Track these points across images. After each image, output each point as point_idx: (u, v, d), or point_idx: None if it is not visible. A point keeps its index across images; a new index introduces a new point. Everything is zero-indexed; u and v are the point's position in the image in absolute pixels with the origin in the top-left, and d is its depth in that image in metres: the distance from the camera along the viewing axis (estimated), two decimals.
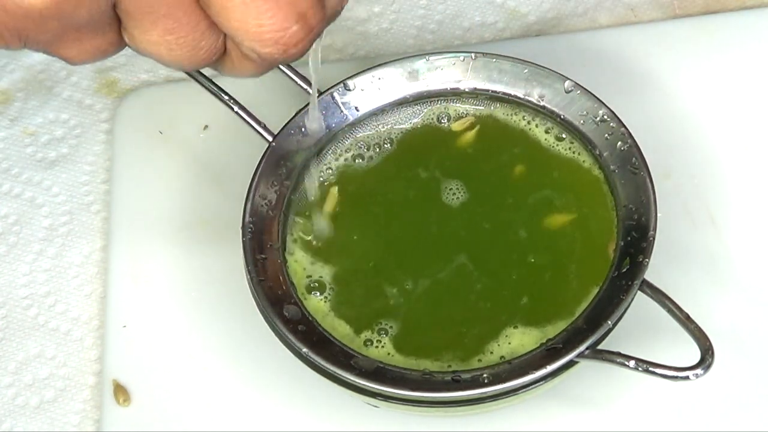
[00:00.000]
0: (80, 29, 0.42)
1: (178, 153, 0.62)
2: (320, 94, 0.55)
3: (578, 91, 0.54)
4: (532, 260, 0.52)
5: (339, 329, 0.51)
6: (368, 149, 0.56)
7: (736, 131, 0.59)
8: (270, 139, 0.54)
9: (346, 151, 0.56)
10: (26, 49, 0.42)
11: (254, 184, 0.53)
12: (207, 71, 0.57)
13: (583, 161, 0.54)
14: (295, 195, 0.54)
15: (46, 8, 0.40)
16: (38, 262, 0.60)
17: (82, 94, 0.65)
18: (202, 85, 0.55)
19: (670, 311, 0.48)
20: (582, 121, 0.54)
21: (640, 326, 0.51)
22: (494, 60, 0.55)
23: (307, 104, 0.55)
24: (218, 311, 0.57)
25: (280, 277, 0.52)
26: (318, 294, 0.52)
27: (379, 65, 0.56)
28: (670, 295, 0.48)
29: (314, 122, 0.54)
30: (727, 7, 0.63)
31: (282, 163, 0.54)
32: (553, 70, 0.55)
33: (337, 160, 0.55)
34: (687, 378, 0.46)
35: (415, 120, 0.56)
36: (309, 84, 0.55)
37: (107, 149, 0.63)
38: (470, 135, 0.55)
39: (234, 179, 0.57)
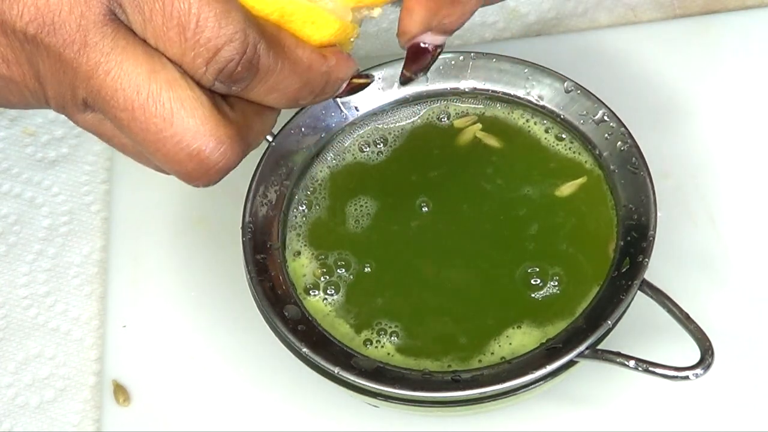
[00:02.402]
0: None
1: None
2: None
3: (578, 91, 0.54)
4: (532, 260, 0.52)
5: (339, 329, 0.51)
6: (368, 149, 0.56)
7: (736, 131, 0.59)
8: (270, 139, 0.54)
9: (346, 150, 0.56)
10: None
11: (254, 184, 0.53)
12: None
13: (583, 161, 0.54)
14: (296, 193, 0.54)
15: None
16: (38, 262, 0.60)
17: None
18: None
19: (670, 311, 0.48)
20: (582, 121, 0.54)
21: (640, 326, 0.51)
22: (494, 60, 0.55)
23: None
24: (218, 311, 0.57)
25: (280, 277, 0.52)
26: (317, 294, 0.52)
27: (379, 65, 0.56)
28: (670, 295, 0.48)
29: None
30: (727, 7, 0.63)
31: (282, 163, 0.54)
32: (553, 70, 0.55)
33: (336, 159, 0.55)
34: (687, 378, 0.46)
35: (415, 119, 0.56)
36: None
37: (107, 149, 0.63)
38: (470, 134, 0.55)
39: (234, 179, 0.56)
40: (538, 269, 0.51)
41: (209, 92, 0.42)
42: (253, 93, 0.42)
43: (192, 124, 0.41)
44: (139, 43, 0.41)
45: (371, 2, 0.45)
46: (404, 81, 0.49)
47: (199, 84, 0.41)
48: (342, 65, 0.45)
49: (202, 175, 0.42)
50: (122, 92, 0.41)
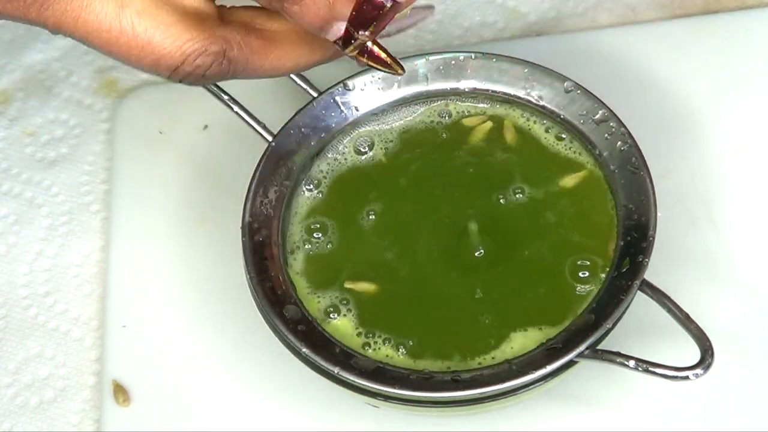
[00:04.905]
0: None
1: (178, 153, 0.62)
2: (320, 94, 0.55)
3: (578, 91, 0.54)
4: (532, 261, 0.52)
5: (339, 329, 0.51)
6: (368, 149, 0.56)
7: (736, 131, 0.59)
8: (270, 139, 0.54)
9: (346, 150, 0.56)
10: None
11: (254, 184, 0.53)
12: None
13: (584, 161, 0.54)
14: (296, 193, 0.54)
15: None
16: (38, 262, 0.60)
17: (82, 94, 0.65)
18: (202, 85, 0.55)
19: (670, 311, 0.48)
20: (582, 121, 0.54)
21: (640, 326, 0.51)
22: (494, 60, 0.55)
23: (307, 104, 0.55)
24: (218, 311, 0.57)
25: (280, 277, 0.52)
26: (319, 296, 0.52)
27: None
28: (670, 295, 0.48)
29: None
30: (727, 7, 0.63)
31: (282, 163, 0.54)
32: (553, 70, 0.55)
33: (336, 159, 0.55)
34: (687, 378, 0.46)
35: (416, 119, 0.56)
36: (309, 85, 0.56)
37: (107, 149, 0.63)
38: (470, 133, 0.55)
39: (234, 179, 0.57)
40: (537, 269, 0.51)
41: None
42: (245, 72, 0.43)
43: (169, 43, 0.42)
44: None
45: None
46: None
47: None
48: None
49: (185, 77, 0.43)
50: (96, 32, 0.41)
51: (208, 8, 0.43)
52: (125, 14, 0.41)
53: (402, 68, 0.46)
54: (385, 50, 0.46)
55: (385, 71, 0.46)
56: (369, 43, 0.45)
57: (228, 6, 0.45)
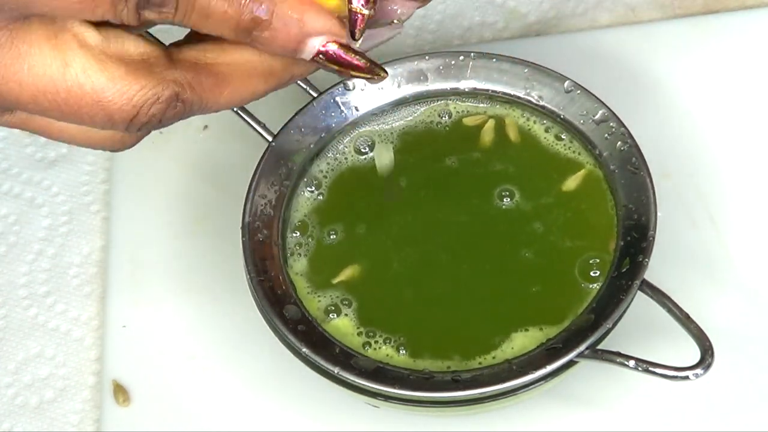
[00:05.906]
0: None
1: (177, 153, 0.62)
2: (320, 94, 0.55)
3: (578, 91, 0.54)
4: (532, 261, 0.52)
5: (339, 329, 0.51)
6: (368, 149, 0.56)
7: (736, 131, 0.59)
8: (270, 139, 0.54)
9: (346, 150, 0.56)
10: None
11: (254, 184, 0.53)
12: None
13: (584, 161, 0.54)
14: (296, 193, 0.54)
15: None
16: (38, 262, 0.60)
17: None
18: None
19: (670, 311, 0.48)
20: (582, 121, 0.54)
21: (640, 326, 0.51)
22: (494, 60, 0.55)
23: (307, 104, 0.55)
24: (218, 311, 0.57)
25: (280, 277, 0.52)
26: (319, 296, 0.52)
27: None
28: (670, 295, 0.48)
29: None
30: (727, 7, 0.63)
31: (282, 163, 0.54)
32: (552, 70, 0.55)
33: (336, 160, 0.55)
34: (687, 378, 0.46)
35: (416, 119, 0.56)
36: (309, 85, 0.56)
37: None
38: (471, 133, 0.55)
39: (234, 179, 0.57)
40: (537, 270, 0.51)
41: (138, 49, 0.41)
42: (202, 110, 0.42)
43: (118, 97, 0.40)
44: (40, 33, 0.39)
45: None
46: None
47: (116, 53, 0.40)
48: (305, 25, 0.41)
49: (141, 127, 0.41)
50: (42, 95, 0.40)
51: (155, 51, 0.41)
52: (70, 72, 0.39)
53: (384, 71, 0.43)
54: (362, 56, 0.43)
55: (366, 78, 0.43)
56: (343, 53, 0.42)
57: (176, 43, 0.43)
